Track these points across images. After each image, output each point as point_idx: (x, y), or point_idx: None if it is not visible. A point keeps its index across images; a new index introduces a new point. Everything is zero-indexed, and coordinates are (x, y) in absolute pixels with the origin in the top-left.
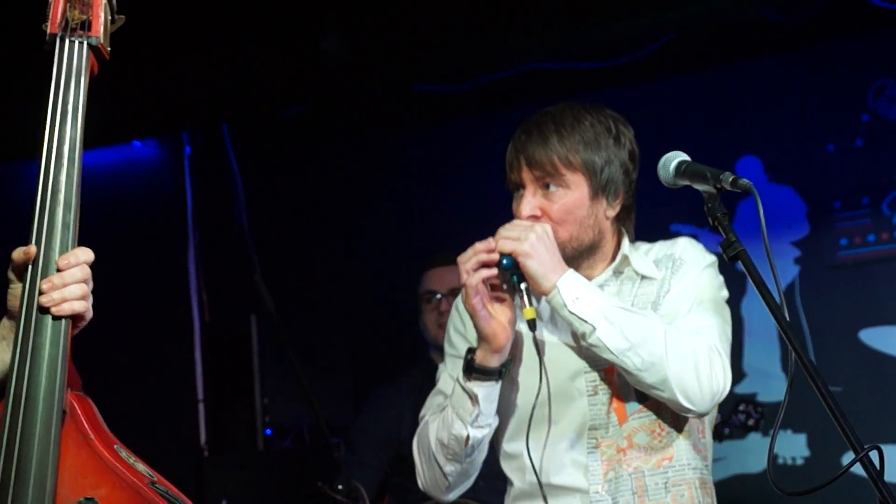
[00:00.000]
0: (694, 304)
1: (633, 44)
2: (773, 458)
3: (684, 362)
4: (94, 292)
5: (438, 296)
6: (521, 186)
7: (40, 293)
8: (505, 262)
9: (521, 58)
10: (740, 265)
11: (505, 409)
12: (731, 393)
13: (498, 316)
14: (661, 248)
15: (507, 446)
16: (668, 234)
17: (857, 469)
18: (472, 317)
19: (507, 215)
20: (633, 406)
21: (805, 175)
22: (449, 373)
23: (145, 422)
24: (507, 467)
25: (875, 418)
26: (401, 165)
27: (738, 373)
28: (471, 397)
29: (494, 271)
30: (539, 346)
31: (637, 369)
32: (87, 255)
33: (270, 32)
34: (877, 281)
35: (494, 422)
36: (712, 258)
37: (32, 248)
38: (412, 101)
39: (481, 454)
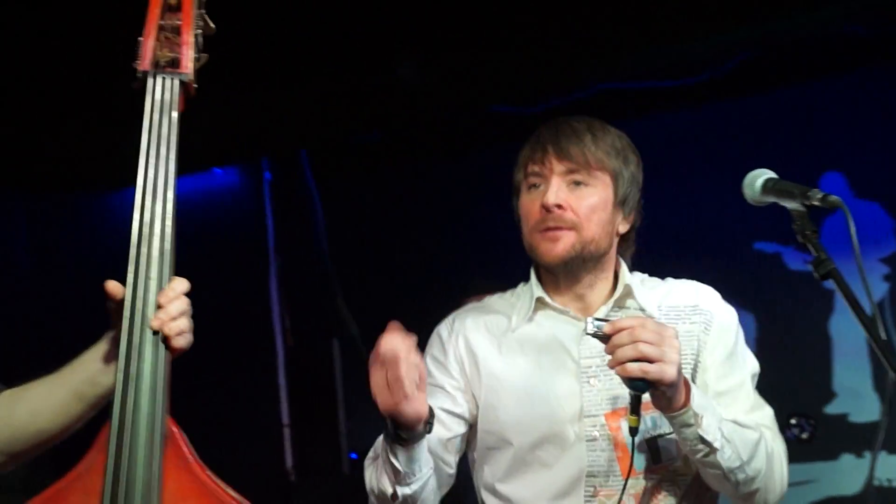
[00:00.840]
0: (751, 384)
1: (711, 62)
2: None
3: (775, 473)
4: None
5: None
6: (542, 180)
7: (151, 329)
8: (639, 385)
9: (596, 78)
10: (828, 283)
11: (498, 446)
12: (793, 408)
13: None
14: (673, 289)
15: (501, 486)
16: (752, 253)
17: None
18: (399, 399)
19: None
20: (643, 464)
21: (891, 190)
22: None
23: (231, 447)
24: None
25: None
26: (478, 187)
27: (827, 393)
28: (394, 461)
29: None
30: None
31: (738, 483)
32: (184, 285)
33: (347, 60)
34: None
35: (426, 473)
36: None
37: (122, 290)
38: (488, 124)
39: (427, 496)
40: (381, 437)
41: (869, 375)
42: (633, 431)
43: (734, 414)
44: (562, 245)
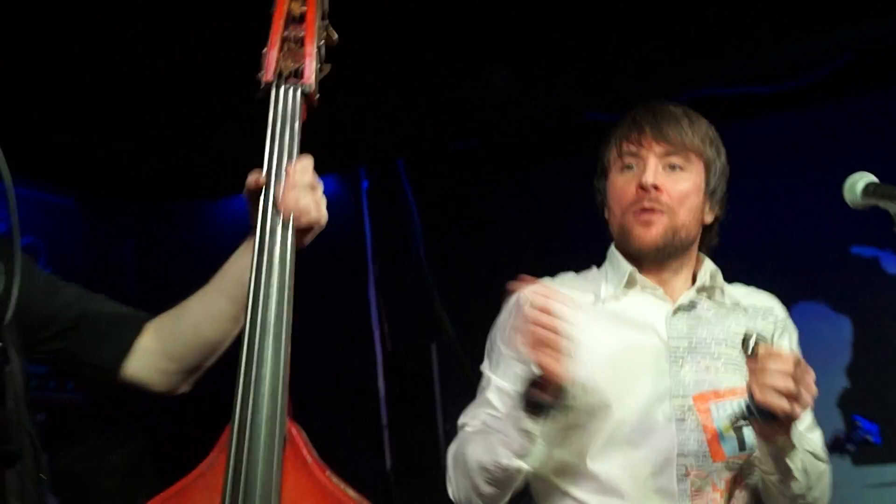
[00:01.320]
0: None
1: (810, 65)
2: None
3: (825, 498)
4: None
5: None
6: (637, 160)
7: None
8: (764, 412)
9: (693, 83)
10: None
11: (585, 423)
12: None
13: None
14: (750, 290)
15: (591, 464)
16: (849, 257)
17: None
18: (557, 356)
19: None
20: (733, 450)
21: None
22: (498, 383)
23: (333, 449)
24: (585, 486)
25: None
26: (572, 192)
27: None
28: (527, 433)
29: None
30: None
31: (792, 501)
32: (306, 160)
33: (441, 70)
34: None
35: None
36: None
37: (261, 177)
38: (582, 131)
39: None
40: (481, 403)
41: None
42: (720, 437)
43: (798, 429)
44: (655, 230)
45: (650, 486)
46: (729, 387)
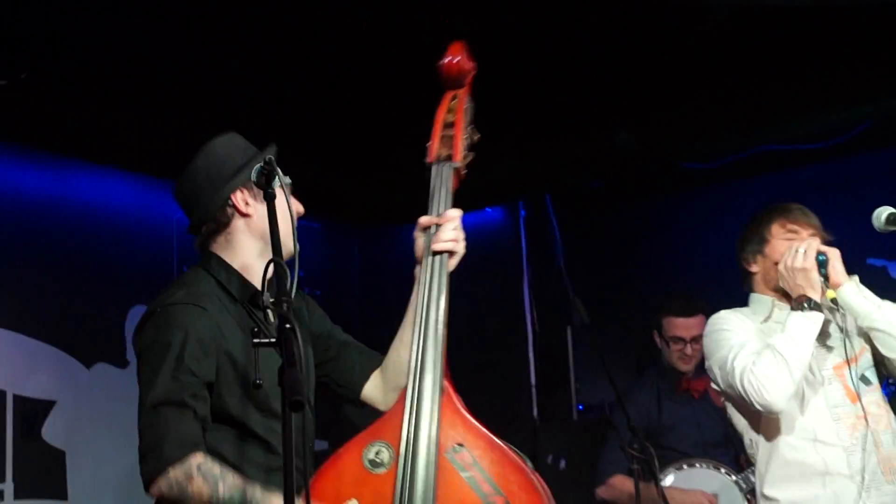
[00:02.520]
0: None
1: (840, 130)
2: None
3: None
4: (462, 312)
5: (684, 342)
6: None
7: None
8: (820, 258)
9: (761, 140)
10: None
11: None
12: None
13: None
14: None
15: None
16: (865, 267)
17: None
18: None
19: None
20: (862, 392)
21: None
22: (741, 339)
23: (493, 402)
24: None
25: None
26: (672, 224)
27: None
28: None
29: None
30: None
31: (889, 328)
32: (455, 212)
33: (579, 127)
34: None
35: None
36: None
37: (427, 220)
38: (679, 176)
39: None
40: (752, 351)
41: None
42: (835, 302)
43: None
44: None
45: (819, 427)
46: (845, 357)
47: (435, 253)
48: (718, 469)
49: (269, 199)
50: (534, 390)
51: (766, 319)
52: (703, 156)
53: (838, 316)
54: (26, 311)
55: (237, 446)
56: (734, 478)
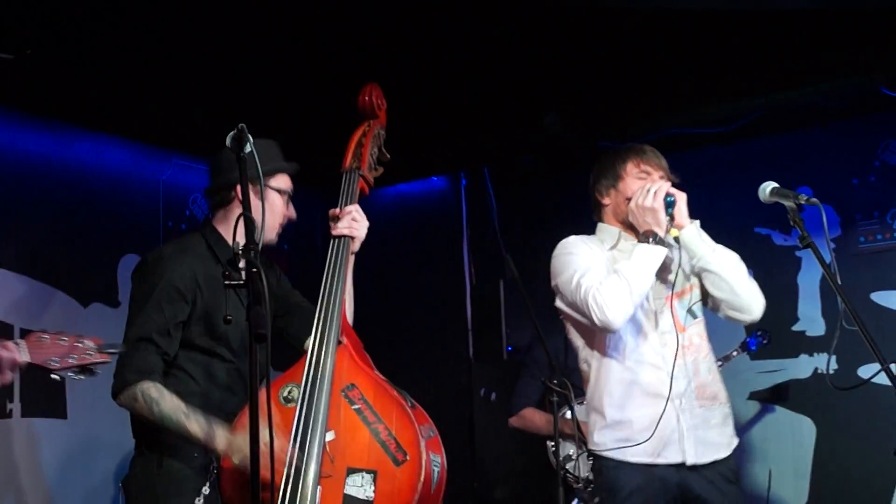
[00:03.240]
0: None
1: (736, 117)
2: (828, 368)
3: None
4: (410, 266)
5: None
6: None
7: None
8: (668, 199)
9: (669, 124)
10: (808, 252)
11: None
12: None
13: None
14: None
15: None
16: (753, 234)
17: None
18: (658, 210)
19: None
20: (688, 322)
21: (838, 198)
22: (587, 262)
23: (436, 344)
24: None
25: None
26: (587, 195)
27: (793, 317)
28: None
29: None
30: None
31: (719, 270)
32: (351, 206)
33: (512, 111)
34: (881, 263)
35: None
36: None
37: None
38: (595, 154)
39: None
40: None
41: (818, 307)
42: (677, 240)
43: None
44: None
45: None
46: (676, 289)
47: (335, 236)
48: None
49: (241, 162)
50: (470, 334)
51: (613, 248)
52: (619, 136)
53: (676, 253)
54: (33, 257)
55: (205, 369)
56: None
